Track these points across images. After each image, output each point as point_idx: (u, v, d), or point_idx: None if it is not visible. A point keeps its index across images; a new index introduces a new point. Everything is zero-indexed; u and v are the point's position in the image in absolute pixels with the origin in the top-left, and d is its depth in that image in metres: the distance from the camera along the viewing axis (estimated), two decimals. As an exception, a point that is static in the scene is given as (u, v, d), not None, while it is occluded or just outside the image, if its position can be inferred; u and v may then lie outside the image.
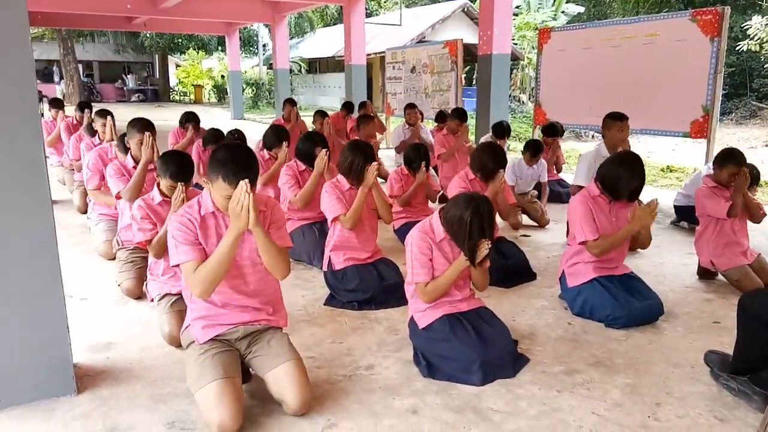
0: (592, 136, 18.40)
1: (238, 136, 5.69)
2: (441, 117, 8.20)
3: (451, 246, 2.82)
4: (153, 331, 3.25)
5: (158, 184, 3.40)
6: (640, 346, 3.11)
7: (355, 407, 2.52)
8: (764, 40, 16.14)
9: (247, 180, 2.24)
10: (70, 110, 7.86)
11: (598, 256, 3.34)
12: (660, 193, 7.06)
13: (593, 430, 2.36)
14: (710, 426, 2.38)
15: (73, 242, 4.95)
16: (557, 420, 2.43)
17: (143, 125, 4.13)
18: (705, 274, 4.13)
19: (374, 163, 3.72)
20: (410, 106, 8.08)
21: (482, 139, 7.46)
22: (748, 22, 16.16)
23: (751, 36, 16.00)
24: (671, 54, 6.57)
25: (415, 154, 4.75)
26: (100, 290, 3.91)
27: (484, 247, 2.65)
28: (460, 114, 6.99)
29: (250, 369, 2.63)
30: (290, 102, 8.66)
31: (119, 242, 4.05)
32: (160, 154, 3.53)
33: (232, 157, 2.31)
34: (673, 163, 10.12)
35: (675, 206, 5.68)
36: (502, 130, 6.62)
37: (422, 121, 8.34)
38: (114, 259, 4.20)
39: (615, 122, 4.71)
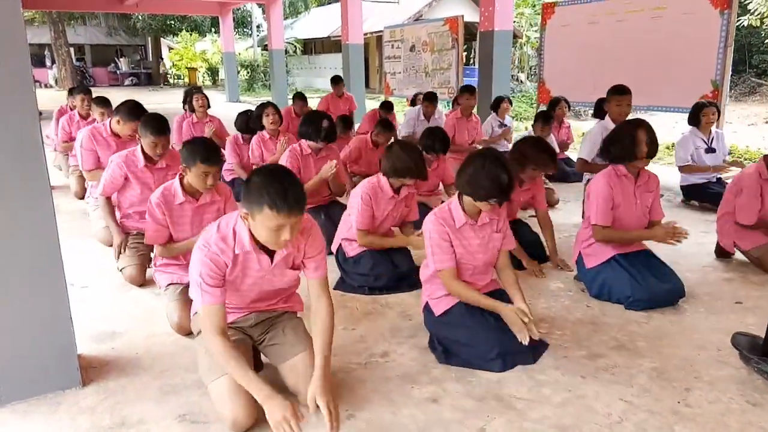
0: (591, 115, 18.24)
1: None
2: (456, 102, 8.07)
3: (474, 231, 2.68)
4: (159, 318, 3.14)
5: (181, 178, 3.13)
6: (661, 328, 3.02)
7: (372, 396, 2.42)
8: (765, 14, 15.93)
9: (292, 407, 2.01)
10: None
11: (598, 241, 3.25)
12: (666, 171, 6.95)
13: (623, 417, 2.27)
14: (743, 411, 2.30)
15: (72, 228, 4.82)
16: (584, 407, 2.34)
17: (159, 128, 3.66)
18: (723, 253, 4.03)
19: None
20: (429, 98, 7.29)
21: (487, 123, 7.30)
22: (748, -4, 15.95)
23: (752, 11, 15.79)
24: (679, 28, 6.42)
25: (432, 140, 4.31)
26: (102, 277, 3.80)
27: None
28: (469, 89, 6.71)
29: (262, 357, 2.53)
30: (301, 98, 8.11)
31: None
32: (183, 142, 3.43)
33: (280, 186, 1.95)
34: (675, 141, 9.99)
35: (682, 186, 5.56)
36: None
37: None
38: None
39: (613, 96, 4.71)
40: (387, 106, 7.59)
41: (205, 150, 2.94)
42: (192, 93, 6.86)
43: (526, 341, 2.54)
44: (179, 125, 6.91)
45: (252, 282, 2.28)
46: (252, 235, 2.12)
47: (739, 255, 4.01)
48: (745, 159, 8.29)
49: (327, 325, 2.28)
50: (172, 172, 3.73)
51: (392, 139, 5.69)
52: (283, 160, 4.20)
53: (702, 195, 5.37)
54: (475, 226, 2.69)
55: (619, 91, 4.66)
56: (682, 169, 5.34)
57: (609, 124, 4.67)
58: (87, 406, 2.38)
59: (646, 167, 3.30)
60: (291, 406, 2.02)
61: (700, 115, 5.26)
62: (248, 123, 5.85)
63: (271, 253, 2.22)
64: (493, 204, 2.58)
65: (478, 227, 2.71)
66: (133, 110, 4.19)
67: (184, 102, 7.29)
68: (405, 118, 7.17)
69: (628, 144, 3.14)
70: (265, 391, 2.04)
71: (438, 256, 2.65)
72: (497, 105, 7.22)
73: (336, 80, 9.02)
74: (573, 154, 7.11)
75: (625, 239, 3.25)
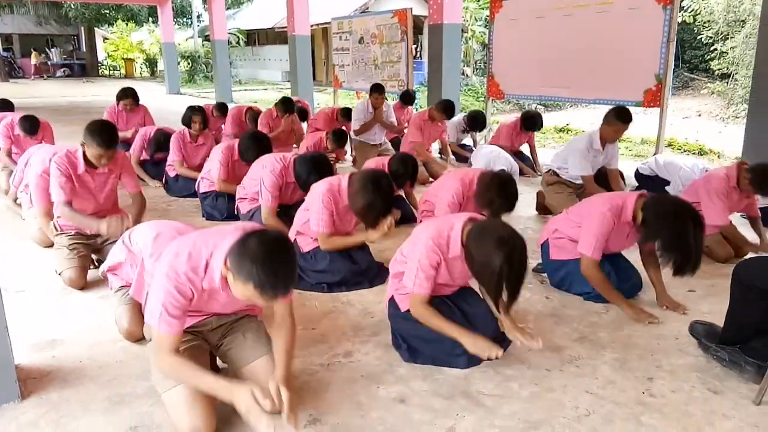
0: (535, 108, 18.63)
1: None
2: (407, 97, 8.00)
3: (463, 265, 2.50)
4: (104, 324, 2.95)
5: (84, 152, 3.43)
6: (621, 318, 3.05)
7: (337, 399, 2.33)
8: (697, 11, 16.62)
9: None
10: None
11: (583, 272, 3.14)
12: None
13: (590, 410, 2.26)
14: (705, 399, 2.33)
15: (2, 229, 4.50)
16: (552, 401, 2.32)
17: (107, 141, 3.41)
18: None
19: (392, 216, 3.25)
20: (377, 89, 6.96)
21: (451, 125, 7.26)
22: (681, -7, 16.58)
23: (685, 7, 16.42)
24: (624, 23, 6.55)
25: (404, 169, 4.19)
26: (38, 281, 3.54)
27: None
28: (445, 107, 6.43)
29: (218, 361, 2.40)
30: (288, 107, 7.12)
31: (57, 227, 3.66)
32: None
33: (273, 269, 1.81)
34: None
35: (638, 174, 5.64)
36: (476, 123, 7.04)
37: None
38: (51, 246, 3.81)
39: (618, 123, 4.60)
40: (347, 114, 7.43)
41: (102, 134, 3.36)
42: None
43: (538, 345, 2.46)
44: (180, 146, 5.87)
45: (217, 305, 2.18)
46: (224, 278, 1.95)
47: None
48: (684, 151, 8.60)
49: (290, 340, 2.20)
50: (113, 176, 3.67)
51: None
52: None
53: (656, 186, 5.47)
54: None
55: (626, 120, 4.57)
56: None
57: (595, 140, 4.68)
58: (27, 420, 2.20)
59: None
60: (256, 387, 1.90)
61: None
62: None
63: None
64: None
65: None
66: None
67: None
68: (355, 112, 7.05)
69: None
70: (226, 386, 1.94)
71: (420, 280, 2.49)
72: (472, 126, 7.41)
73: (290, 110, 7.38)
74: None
75: (605, 293, 3.12)
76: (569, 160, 4.82)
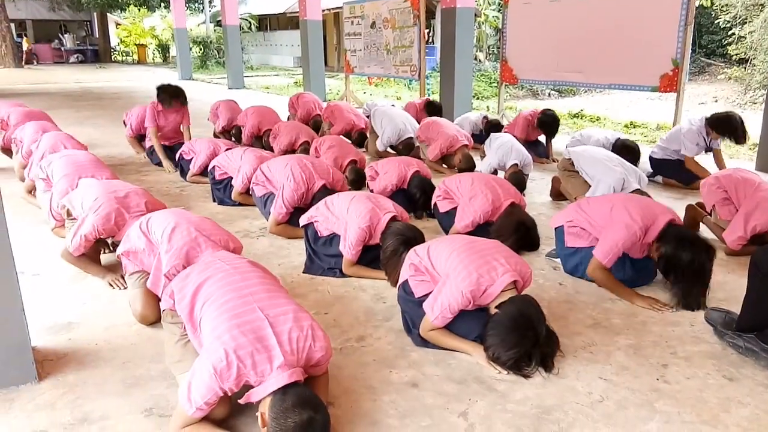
0: (549, 95, 18.46)
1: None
2: (431, 108, 7.57)
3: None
4: (118, 307, 2.98)
5: None
6: (635, 305, 3.03)
7: (350, 383, 2.34)
8: (714, -5, 16.34)
9: None
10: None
11: (589, 273, 3.17)
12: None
13: (604, 396, 2.25)
14: (720, 386, 2.31)
15: (17, 213, 4.54)
16: (565, 387, 2.31)
17: None
18: (690, 225, 4.08)
19: None
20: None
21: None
22: (699, -24, 16.28)
23: (703, -9, 16.15)
24: (641, 6, 6.45)
25: (421, 194, 4.31)
26: (54, 265, 3.57)
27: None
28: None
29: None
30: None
31: (70, 213, 3.68)
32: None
33: None
34: (634, 119, 10.17)
35: (651, 158, 5.59)
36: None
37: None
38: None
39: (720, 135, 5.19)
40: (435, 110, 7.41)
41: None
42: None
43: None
44: (153, 114, 6.21)
45: None
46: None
47: (702, 232, 4.08)
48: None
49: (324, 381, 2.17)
50: None
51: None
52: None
53: (670, 171, 5.42)
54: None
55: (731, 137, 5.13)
56: (689, 161, 5.27)
57: (703, 130, 5.21)
58: (45, 401, 2.23)
59: None
60: None
61: (720, 131, 5.19)
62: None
63: None
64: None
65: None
66: None
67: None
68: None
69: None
70: None
71: (442, 314, 2.46)
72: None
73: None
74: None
75: (613, 290, 3.12)
76: (685, 142, 5.26)
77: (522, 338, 2.30)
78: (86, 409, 2.18)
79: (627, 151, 5.38)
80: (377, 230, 3.24)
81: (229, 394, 1.93)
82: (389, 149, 6.57)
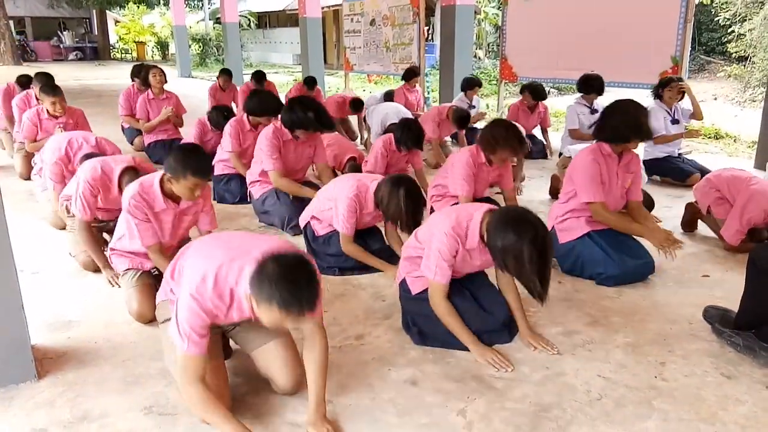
0: (548, 92, 18.42)
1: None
2: (410, 73, 7.88)
3: (480, 254, 2.49)
4: (117, 305, 2.98)
5: (161, 182, 2.79)
6: (633, 303, 3.04)
7: (349, 381, 2.34)
8: (714, -8, 16.32)
9: None
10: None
11: (594, 219, 3.21)
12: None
13: (602, 393, 2.26)
14: (719, 384, 2.32)
15: (18, 210, 4.54)
16: (563, 385, 2.32)
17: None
18: (689, 223, 4.09)
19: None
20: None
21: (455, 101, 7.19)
22: (699, -26, 16.25)
23: (702, -12, 16.12)
24: (641, 3, 6.45)
25: (407, 135, 4.38)
26: (54, 263, 3.58)
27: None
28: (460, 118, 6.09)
29: (231, 343, 2.41)
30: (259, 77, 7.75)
31: (69, 210, 3.68)
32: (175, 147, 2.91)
33: (295, 287, 1.74)
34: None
35: (644, 161, 5.60)
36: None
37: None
38: (65, 228, 3.85)
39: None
40: (357, 106, 7.44)
41: (198, 161, 2.68)
42: (145, 68, 6.51)
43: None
44: (126, 98, 6.63)
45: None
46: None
47: (701, 230, 4.09)
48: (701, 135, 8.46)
49: (321, 360, 2.08)
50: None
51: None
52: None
53: (664, 170, 5.43)
54: (483, 249, 2.48)
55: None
56: (656, 139, 5.35)
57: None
58: (44, 399, 2.23)
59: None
60: None
61: (666, 89, 5.31)
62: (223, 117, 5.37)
63: None
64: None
65: (483, 250, 2.49)
66: None
67: (135, 76, 6.92)
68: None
69: (630, 125, 3.10)
70: None
71: (440, 269, 2.46)
72: (467, 86, 7.17)
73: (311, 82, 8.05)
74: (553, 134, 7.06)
75: (621, 229, 3.16)
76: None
77: (519, 228, 2.19)
78: (86, 407, 2.19)
79: None
80: (368, 199, 3.24)
81: (215, 319, 1.96)
82: None
